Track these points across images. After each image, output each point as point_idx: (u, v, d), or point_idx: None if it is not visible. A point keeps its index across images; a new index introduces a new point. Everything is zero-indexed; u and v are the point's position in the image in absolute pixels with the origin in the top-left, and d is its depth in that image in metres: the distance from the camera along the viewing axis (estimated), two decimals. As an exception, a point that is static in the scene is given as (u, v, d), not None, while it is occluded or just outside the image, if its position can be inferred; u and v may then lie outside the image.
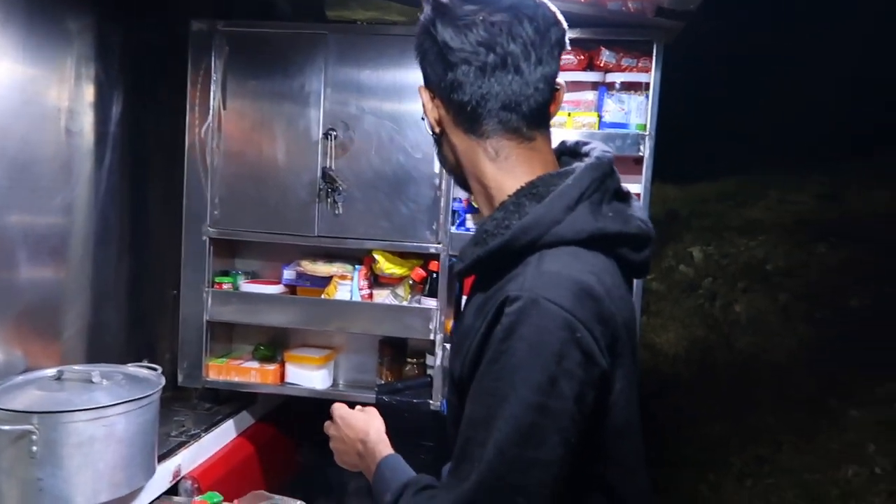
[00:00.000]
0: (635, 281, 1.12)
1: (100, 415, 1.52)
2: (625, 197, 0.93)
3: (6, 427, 1.44)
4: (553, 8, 0.93)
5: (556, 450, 0.78)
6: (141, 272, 2.25)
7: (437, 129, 0.96)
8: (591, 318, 0.80)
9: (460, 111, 0.92)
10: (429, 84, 0.95)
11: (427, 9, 0.93)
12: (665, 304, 5.96)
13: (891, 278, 4.92)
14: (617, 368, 0.84)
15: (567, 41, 0.93)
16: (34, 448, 1.45)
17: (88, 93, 1.98)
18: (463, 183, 1.00)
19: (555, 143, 0.97)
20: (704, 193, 7.79)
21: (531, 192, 0.88)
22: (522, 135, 0.92)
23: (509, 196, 0.89)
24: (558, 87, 0.93)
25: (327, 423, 1.18)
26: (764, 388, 4.48)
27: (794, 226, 6.28)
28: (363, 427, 1.11)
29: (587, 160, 0.90)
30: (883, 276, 4.99)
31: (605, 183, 0.88)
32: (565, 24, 0.93)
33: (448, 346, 2.02)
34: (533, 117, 0.91)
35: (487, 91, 0.89)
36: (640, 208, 0.95)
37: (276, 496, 1.60)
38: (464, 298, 1.03)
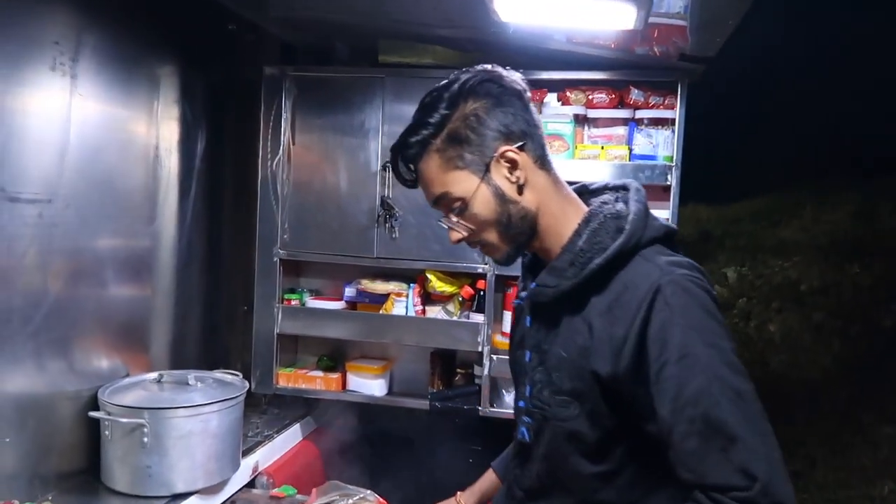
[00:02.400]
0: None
1: (198, 412, 1.75)
2: None
3: (124, 420, 1.69)
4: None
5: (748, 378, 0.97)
6: (216, 290, 2.50)
7: (523, 180, 1.08)
8: (710, 284, 1.04)
9: (537, 147, 1.10)
10: (505, 141, 1.07)
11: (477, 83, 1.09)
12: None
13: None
14: None
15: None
16: (145, 439, 1.69)
17: (174, 131, 2.23)
18: (532, 237, 1.12)
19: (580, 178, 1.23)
20: (738, 214, 7.84)
21: (603, 213, 1.10)
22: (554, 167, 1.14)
23: (580, 223, 1.10)
24: None
25: None
26: (798, 405, 4.56)
27: (828, 245, 6.32)
28: None
29: (631, 184, 1.14)
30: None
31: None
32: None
33: (495, 357, 2.22)
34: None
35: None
36: None
37: (350, 486, 1.81)
38: (528, 319, 1.17)
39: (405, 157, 1.13)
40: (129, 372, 2.01)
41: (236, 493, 2.00)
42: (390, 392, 2.45)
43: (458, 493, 1.56)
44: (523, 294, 1.21)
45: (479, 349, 2.24)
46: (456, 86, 1.08)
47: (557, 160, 1.21)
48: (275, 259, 2.38)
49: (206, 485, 1.80)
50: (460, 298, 2.29)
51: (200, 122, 2.34)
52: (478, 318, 2.25)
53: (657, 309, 0.98)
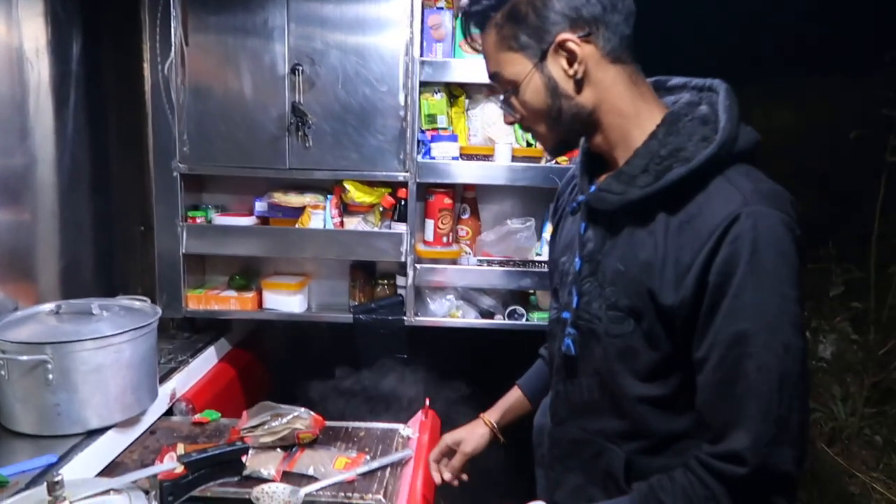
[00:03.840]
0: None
1: (108, 343, 1.61)
2: None
3: (23, 357, 1.52)
4: None
5: (804, 335, 0.90)
6: (108, 210, 2.28)
7: (581, 75, 0.97)
8: (799, 221, 0.92)
9: (612, 37, 0.96)
10: (568, 27, 0.96)
11: None
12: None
13: (796, 191, 5.37)
14: None
15: None
16: (50, 376, 1.54)
17: (41, 29, 1.93)
18: (587, 132, 1.03)
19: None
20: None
21: (686, 115, 0.96)
22: (636, 59, 1.00)
23: (659, 125, 0.98)
24: None
25: None
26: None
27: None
28: None
29: (720, 85, 1.00)
30: (789, 190, 5.44)
31: None
32: None
33: (418, 266, 2.19)
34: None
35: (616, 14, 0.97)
36: None
37: (282, 405, 1.75)
38: (582, 226, 1.07)
39: (468, 25, 1.03)
40: (17, 305, 1.82)
41: (155, 422, 1.89)
42: (309, 308, 2.37)
43: (482, 413, 1.51)
44: (580, 197, 1.10)
45: (402, 259, 2.19)
46: None
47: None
48: (174, 174, 2.18)
49: (123, 418, 1.69)
50: (381, 208, 2.21)
51: (74, 18, 2.05)
52: (400, 227, 2.19)
53: (728, 241, 0.88)
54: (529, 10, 0.96)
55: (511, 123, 1.07)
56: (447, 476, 1.50)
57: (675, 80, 1.07)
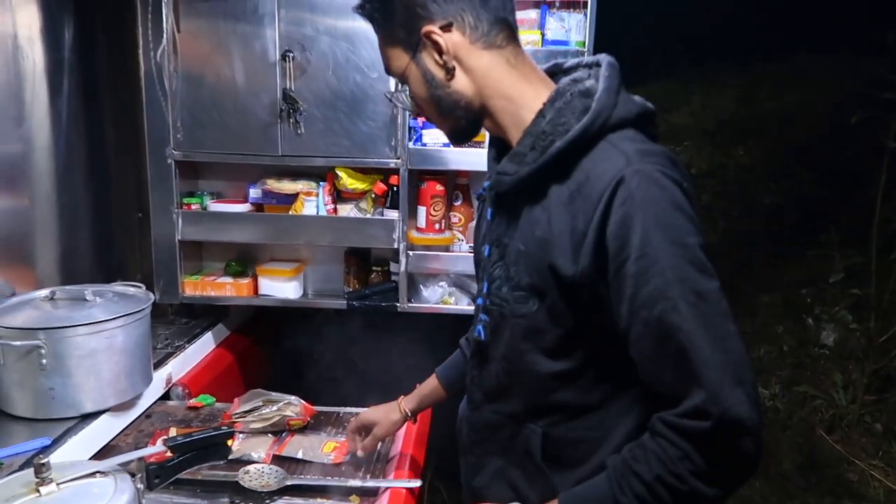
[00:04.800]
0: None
1: (101, 328, 1.64)
2: None
3: (17, 343, 1.55)
4: None
5: (715, 277, 0.89)
6: (104, 197, 2.31)
7: (452, 64, 1.00)
8: (683, 176, 0.94)
9: (479, 24, 0.98)
10: (428, 21, 0.99)
11: None
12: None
13: (799, 177, 5.34)
14: None
15: None
16: (44, 361, 1.57)
17: (35, 17, 1.95)
18: (476, 118, 1.05)
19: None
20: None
21: (570, 91, 0.98)
22: (517, 42, 1.03)
23: (545, 103, 0.99)
24: None
25: None
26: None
27: (714, 129, 6.62)
28: None
29: (604, 59, 1.01)
30: (792, 175, 5.40)
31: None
32: None
33: (411, 253, 2.20)
34: (514, 25, 1.03)
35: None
36: None
37: (273, 392, 1.78)
38: (489, 212, 1.10)
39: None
40: (14, 291, 1.85)
41: (151, 406, 1.93)
42: (305, 294, 2.39)
43: (402, 397, 1.57)
44: (485, 184, 1.13)
45: (395, 246, 2.20)
46: None
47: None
48: (169, 161, 2.20)
49: (117, 402, 1.72)
50: (373, 195, 2.22)
51: (66, 5, 2.07)
52: (392, 214, 2.20)
53: (618, 202, 0.89)
54: (398, 5, 1.00)
55: (417, 115, 1.11)
56: (360, 453, 1.59)
57: (571, 62, 1.08)
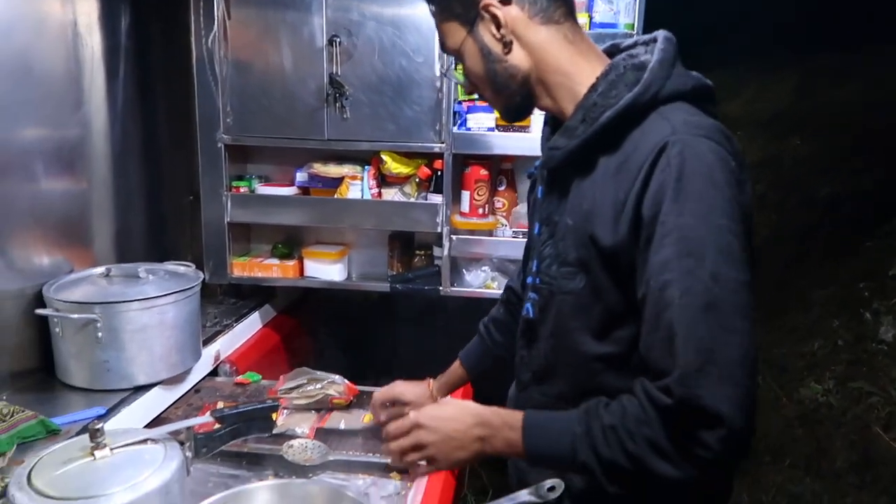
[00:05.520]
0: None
1: (153, 304, 1.70)
2: None
3: (74, 316, 1.62)
4: None
5: (747, 271, 0.86)
6: (158, 179, 2.37)
7: (509, 38, 1.00)
8: (735, 154, 0.90)
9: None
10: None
11: None
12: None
13: (857, 167, 5.14)
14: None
15: None
16: (99, 334, 1.64)
17: (93, 5, 2.01)
18: (530, 94, 1.04)
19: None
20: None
21: (625, 64, 0.97)
22: (574, 18, 1.03)
23: (599, 77, 0.98)
24: None
25: (412, 437, 1.07)
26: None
27: (769, 120, 6.43)
28: (464, 411, 1.05)
29: (660, 34, 1.00)
30: (851, 166, 5.20)
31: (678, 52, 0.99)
32: None
33: (454, 237, 2.21)
34: (571, 1, 1.03)
35: None
36: None
37: (318, 371, 1.81)
38: (539, 190, 1.10)
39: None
40: (73, 268, 1.92)
41: (200, 381, 1.99)
42: (349, 277, 2.43)
43: (430, 380, 1.58)
44: (537, 163, 1.12)
45: (438, 230, 2.21)
46: None
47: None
48: (219, 145, 2.25)
49: (168, 375, 1.78)
50: (417, 179, 2.23)
51: (123, -6, 2.12)
52: (436, 198, 2.21)
53: (658, 170, 0.87)
54: None
55: (471, 93, 1.10)
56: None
57: (628, 41, 1.06)
